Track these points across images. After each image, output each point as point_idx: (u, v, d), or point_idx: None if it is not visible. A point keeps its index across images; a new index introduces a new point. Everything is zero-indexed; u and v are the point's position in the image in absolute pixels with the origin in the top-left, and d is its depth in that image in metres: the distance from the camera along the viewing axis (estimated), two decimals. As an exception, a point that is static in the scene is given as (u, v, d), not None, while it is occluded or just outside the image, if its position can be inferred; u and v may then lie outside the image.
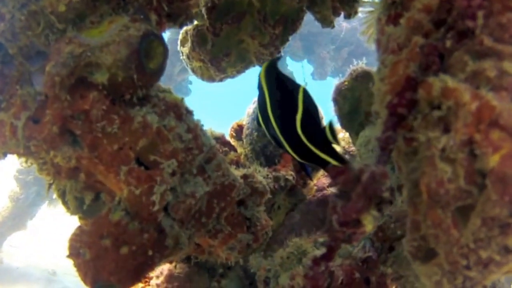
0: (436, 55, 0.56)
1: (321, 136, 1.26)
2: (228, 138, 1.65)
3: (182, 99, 0.97)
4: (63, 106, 0.82)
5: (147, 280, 1.52)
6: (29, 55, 0.88)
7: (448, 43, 0.55)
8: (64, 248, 0.86)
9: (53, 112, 0.82)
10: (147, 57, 0.86)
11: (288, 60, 7.38)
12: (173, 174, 0.86)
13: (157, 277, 1.39)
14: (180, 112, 0.95)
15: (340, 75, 1.54)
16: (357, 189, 0.50)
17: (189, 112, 0.99)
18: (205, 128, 1.46)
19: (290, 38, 1.50)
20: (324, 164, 1.26)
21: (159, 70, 0.87)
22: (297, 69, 7.70)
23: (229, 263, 1.24)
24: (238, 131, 1.72)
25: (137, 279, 0.82)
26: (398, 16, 0.66)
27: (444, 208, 0.52)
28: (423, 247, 0.59)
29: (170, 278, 1.35)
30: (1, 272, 5.20)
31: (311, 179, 1.52)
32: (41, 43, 0.86)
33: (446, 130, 0.52)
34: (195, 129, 0.95)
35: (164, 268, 1.39)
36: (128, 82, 0.82)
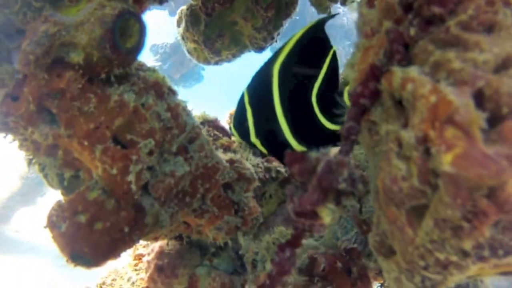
0: (401, 43, 0.51)
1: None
2: (222, 123, 1.63)
3: (164, 77, 0.96)
4: (40, 85, 0.82)
5: (140, 257, 1.54)
6: (9, 33, 0.88)
7: (412, 31, 0.49)
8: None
9: (30, 90, 0.82)
10: (125, 36, 0.86)
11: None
12: (150, 153, 0.87)
13: (148, 254, 1.41)
14: (162, 91, 0.94)
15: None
16: (312, 180, 0.47)
17: (172, 92, 0.99)
18: (200, 111, 1.45)
19: (285, 23, 1.47)
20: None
21: (136, 49, 0.87)
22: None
23: (218, 243, 1.25)
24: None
25: (112, 255, 0.83)
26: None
27: (398, 206, 0.49)
28: (385, 243, 0.56)
29: (160, 254, 1.37)
30: (10, 243, 5.32)
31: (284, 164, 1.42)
32: (20, 21, 0.86)
33: (407, 125, 0.48)
34: (175, 108, 0.94)
35: (156, 246, 1.40)
36: (103, 62, 0.82)
